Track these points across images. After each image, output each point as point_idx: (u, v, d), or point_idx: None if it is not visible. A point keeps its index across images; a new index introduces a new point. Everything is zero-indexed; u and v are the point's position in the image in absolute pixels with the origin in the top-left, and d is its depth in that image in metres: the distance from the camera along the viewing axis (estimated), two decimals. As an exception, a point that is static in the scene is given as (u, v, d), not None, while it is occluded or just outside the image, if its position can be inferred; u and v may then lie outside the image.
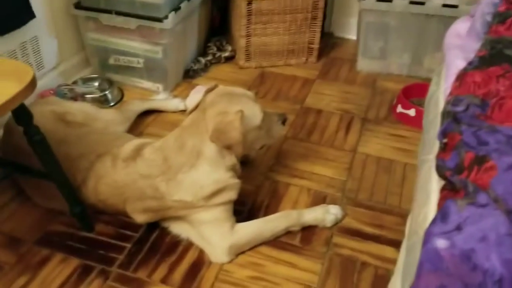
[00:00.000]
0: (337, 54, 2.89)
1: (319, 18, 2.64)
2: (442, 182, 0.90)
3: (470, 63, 1.16)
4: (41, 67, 2.24)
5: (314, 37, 2.71)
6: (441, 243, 0.70)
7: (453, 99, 1.02)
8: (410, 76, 2.59)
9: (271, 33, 2.65)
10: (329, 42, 3.01)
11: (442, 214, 0.74)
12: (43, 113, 1.78)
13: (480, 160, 0.82)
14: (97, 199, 1.60)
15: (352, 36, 3.02)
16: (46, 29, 2.22)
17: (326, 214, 1.68)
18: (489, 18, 1.29)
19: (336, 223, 1.69)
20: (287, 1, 2.54)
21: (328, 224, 1.67)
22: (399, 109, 2.25)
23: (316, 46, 2.74)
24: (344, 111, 2.35)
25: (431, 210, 0.90)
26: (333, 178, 1.91)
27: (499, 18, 1.25)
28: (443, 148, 0.94)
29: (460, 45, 1.35)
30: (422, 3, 2.37)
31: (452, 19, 1.81)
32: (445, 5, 2.33)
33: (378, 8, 2.45)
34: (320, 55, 2.82)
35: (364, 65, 2.68)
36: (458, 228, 0.71)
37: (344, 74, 2.68)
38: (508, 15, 1.25)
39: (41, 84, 2.23)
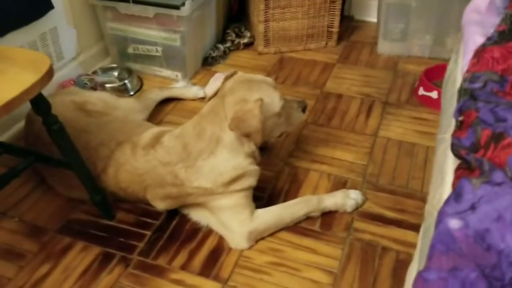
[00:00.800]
0: (357, 38, 2.85)
1: (338, 1, 2.59)
2: (458, 162, 0.87)
3: (489, 39, 1.11)
4: (61, 57, 2.27)
5: (333, 20, 2.66)
6: (454, 223, 0.68)
7: (471, 76, 0.99)
8: (432, 58, 2.53)
9: (289, 17, 2.61)
10: (349, 25, 2.96)
11: (456, 193, 0.71)
12: (64, 103, 1.80)
13: (497, 137, 0.79)
14: (117, 187, 1.61)
15: (373, 19, 2.96)
16: (65, 19, 2.24)
17: (346, 199, 1.66)
18: None
19: (357, 208, 1.67)
20: (305, -15, 2.50)
21: (349, 209, 1.65)
22: (421, 91, 2.20)
23: (335, 29, 2.70)
24: (365, 95, 2.31)
25: (446, 191, 0.88)
26: (353, 162, 1.89)
27: (521, -9, 1.20)
28: (459, 126, 0.91)
29: (479, 20, 1.30)
30: (444, -18, 2.31)
31: (475, -3, 1.76)
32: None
33: (398, -12, 2.39)
34: (340, 39, 2.77)
35: (385, 48, 2.62)
36: (473, 207, 0.68)
37: (364, 57, 2.64)
38: (530, -12, 1.19)
39: (61, 74, 2.27)
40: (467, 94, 0.94)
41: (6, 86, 1.24)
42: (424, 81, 2.19)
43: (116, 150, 1.61)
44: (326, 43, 2.74)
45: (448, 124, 1.07)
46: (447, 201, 0.71)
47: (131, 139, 1.62)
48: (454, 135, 0.87)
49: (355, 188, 1.75)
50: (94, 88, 2.27)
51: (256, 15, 2.61)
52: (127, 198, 1.66)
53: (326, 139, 2.02)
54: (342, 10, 2.71)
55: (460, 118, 0.91)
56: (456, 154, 0.84)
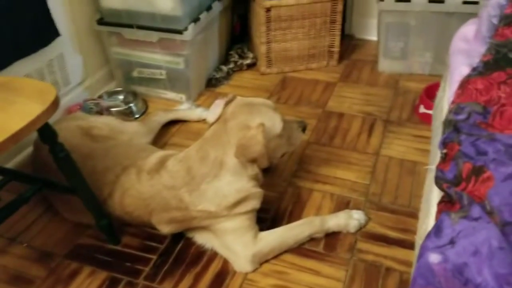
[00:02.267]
0: (358, 56, 2.88)
1: (338, 21, 2.63)
2: (442, 194, 0.89)
3: (474, 69, 1.14)
4: (67, 83, 2.31)
5: (334, 40, 2.70)
6: (434, 257, 0.70)
7: (455, 108, 1.01)
8: (433, 75, 2.55)
9: (291, 38, 2.65)
10: (349, 44, 3.00)
11: (437, 228, 0.73)
12: (70, 129, 1.83)
13: (477, 171, 0.81)
14: (123, 211, 1.64)
15: (373, 37, 2.99)
16: (71, 46, 2.29)
17: (349, 219, 1.68)
18: (495, 20, 1.26)
19: (360, 228, 1.68)
20: (305, 7, 2.54)
21: (352, 230, 1.67)
22: (422, 109, 2.22)
23: (336, 49, 2.73)
24: (366, 113, 2.33)
25: (431, 222, 0.90)
26: (356, 182, 1.90)
27: (506, 20, 1.22)
28: (443, 159, 0.93)
29: (466, 49, 1.32)
30: (442, 1, 2.33)
31: (473, 16, 1.78)
32: (465, 2, 2.29)
33: (397, 8, 2.43)
34: (341, 58, 2.81)
35: (386, 66, 2.65)
36: (452, 242, 0.70)
37: (365, 76, 2.67)
38: (515, 17, 1.22)
39: (68, 100, 2.32)
40: (451, 126, 0.96)
41: (13, 117, 1.28)
42: (425, 99, 2.21)
43: (121, 175, 1.64)
44: (328, 63, 2.78)
45: (435, 154, 1.10)
46: (428, 236, 0.73)
47: (136, 163, 1.65)
48: (438, 167, 0.90)
49: (358, 208, 1.76)
50: (100, 112, 2.31)
51: (258, 36, 2.65)
52: (133, 222, 1.69)
53: (329, 159, 2.04)
54: (343, 29, 2.75)
55: (444, 151, 0.93)
56: (439, 187, 0.87)
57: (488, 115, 0.95)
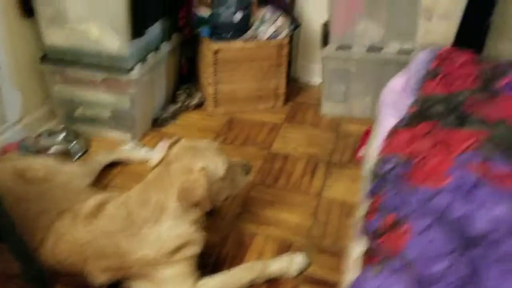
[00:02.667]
0: (303, 99, 2.95)
1: (284, 65, 2.70)
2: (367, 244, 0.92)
3: (401, 120, 1.19)
4: (3, 120, 2.23)
5: (280, 83, 2.76)
6: None
7: (381, 159, 1.05)
8: (373, 119, 2.64)
9: (238, 80, 2.69)
10: (295, 87, 3.07)
11: (357, 281, 0.75)
12: (3, 170, 1.76)
13: (397, 223, 0.84)
14: (55, 260, 1.55)
15: (317, 81, 3.08)
16: (9, 81, 2.22)
17: (291, 263, 1.67)
18: (421, 74, 1.34)
19: (301, 271, 1.68)
20: (252, 50, 2.60)
21: (294, 274, 1.67)
22: (362, 152, 2.29)
23: (282, 91, 2.79)
24: (310, 155, 2.37)
25: (356, 273, 0.91)
26: (299, 224, 1.92)
27: (431, 74, 1.30)
28: (370, 209, 0.96)
29: (394, 102, 1.39)
30: (379, 51, 2.45)
31: (408, 64, 1.87)
32: (400, 51, 2.41)
33: (338, 56, 2.53)
34: (286, 100, 2.87)
35: (328, 109, 2.73)
36: None
37: (309, 118, 2.73)
38: (439, 71, 1.30)
39: (4, 138, 2.23)
40: (378, 177, 1.00)
41: None
42: (365, 142, 2.28)
43: (56, 220, 1.57)
44: (274, 104, 2.83)
45: (364, 203, 1.13)
46: (349, 291, 0.75)
47: (73, 207, 1.60)
48: (366, 218, 0.92)
49: (300, 250, 1.77)
50: (38, 152, 2.24)
51: (205, 77, 2.68)
52: (65, 271, 1.60)
53: (273, 201, 2.05)
54: (288, 72, 2.82)
55: (371, 201, 0.96)
56: (366, 236, 0.89)
57: (410, 167, 1.00)
